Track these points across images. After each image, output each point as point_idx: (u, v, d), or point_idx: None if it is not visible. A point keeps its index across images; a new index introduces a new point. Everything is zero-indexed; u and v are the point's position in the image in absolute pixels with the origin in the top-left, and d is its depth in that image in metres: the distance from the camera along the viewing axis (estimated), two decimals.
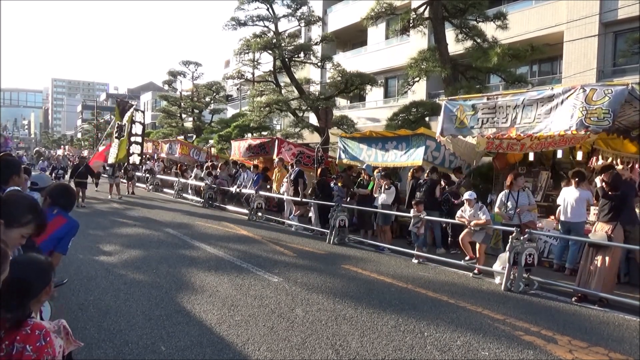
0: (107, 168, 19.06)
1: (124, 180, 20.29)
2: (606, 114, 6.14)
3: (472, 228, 7.61)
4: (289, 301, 5.64)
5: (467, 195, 7.89)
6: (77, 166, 15.93)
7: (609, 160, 8.22)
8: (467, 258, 7.78)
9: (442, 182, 9.93)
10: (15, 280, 1.86)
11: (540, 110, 7.04)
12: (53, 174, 19.45)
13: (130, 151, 18.86)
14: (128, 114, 18.45)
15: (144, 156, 23.43)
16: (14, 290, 1.86)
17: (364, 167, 11.61)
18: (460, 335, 4.69)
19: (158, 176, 22.63)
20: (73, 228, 3.60)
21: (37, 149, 61.07)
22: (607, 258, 6.04)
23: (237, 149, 17.68)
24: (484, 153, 10.21)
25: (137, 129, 18.60)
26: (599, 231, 6.26)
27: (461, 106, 8.21)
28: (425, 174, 9.89)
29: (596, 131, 6.33)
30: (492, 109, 7.71)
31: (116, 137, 18.42)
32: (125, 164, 19.81)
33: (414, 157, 10.61)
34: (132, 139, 18.42)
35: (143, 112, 20.93)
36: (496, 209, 7.90)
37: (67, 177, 18.51)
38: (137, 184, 21.38)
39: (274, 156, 15.17)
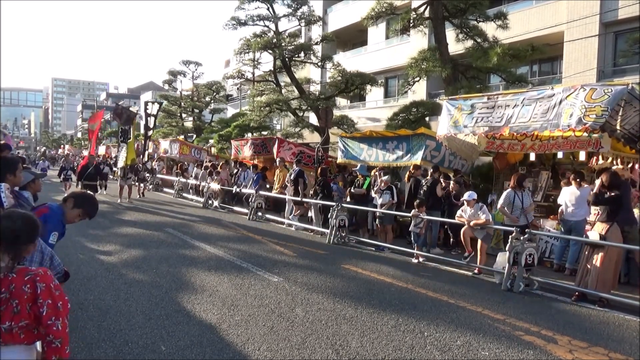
0: (116, 169, 18.55)
1: (135, 183, 19.11)
2: (604, 111, 6.15)
3: (473, 228, 7.63)
4: (289, 301, 5.64)
5: (466, 196, 7.88)
6: (85, 167, 14.31)
7: (609, 160, 8.23)
8: (465, 254, 7.78)
9: (442, 182, 9.93)
10: (9, 230, 2.07)
11: (537, 110, 7.05)
12: (62, 175, 18.46)
13: (145, 148, 18.73)
14: (134, 121, 18.33)
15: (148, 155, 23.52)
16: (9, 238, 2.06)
17: (357, 168, 11.62)
18: (460, 335, 4.69)
19: (158, 176, 22.64)
20: (52, 217, 3.39)
21: (44, 148, 60.92)
22: (600, 257, 6.04)
23: (238, 148, 17.70)
24: (482, 152, 10.22)
25: (150, 122, 18.62)
26: (594, 231, 6.27)
27: (460, 105, 8.26)
28: (429, 174, 9.90)
29: (593, 128, 6.34)
30: (490, 109, 7.75)
31: (122, 141, 18.11)
32: (137, 165, 19.54)
33: (415, 157, 10.62)
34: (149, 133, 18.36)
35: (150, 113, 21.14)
36: (500, 208, 7.88)
37: (74, 177, 17.75)
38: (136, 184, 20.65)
39: (275, 155, 15.20)
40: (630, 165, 8.23)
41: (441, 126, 8.73)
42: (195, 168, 20.35)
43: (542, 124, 6.93)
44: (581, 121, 6.34)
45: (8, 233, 2.06)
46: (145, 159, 22.89)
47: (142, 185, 18.98)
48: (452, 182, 9.81)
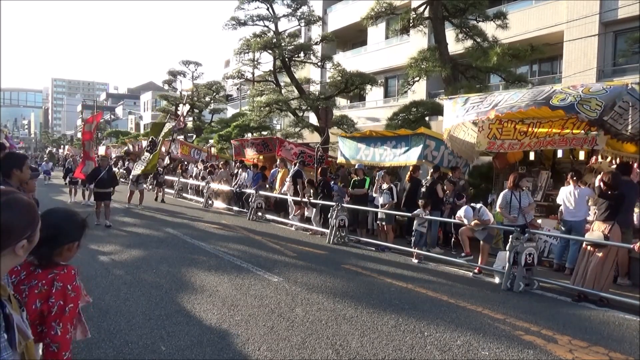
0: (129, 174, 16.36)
1: (148, 187, 18.19)
2: (598, 105, 6.14)
3: (474, 228, 7.62)
4: (289, 301, 5.64)
5: (463, 217, 7.75)
6: (96, 171, 12.00)
7: (608, 159, 8.23)
8: (462, 254, 7.75)
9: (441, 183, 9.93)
10: (49, 226, 1.95)
11: (527, 95, 7.08)
12: (67, 178, 17.22)
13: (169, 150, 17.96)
14: (165, 130, 16.96)
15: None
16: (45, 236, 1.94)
17: (356, 166, 11.66)
18: (460, 335, 4.69)
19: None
20: None
21: (50, 149, 60.62)
22: (602, 257, 6.03)
23: (240, 147, 17.73)
24: (482, 152, 10.24)
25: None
26: (596, 230, 6.26)
27: (455, 100, 8.44)
28: (429, 174, 9.90)
29: (583, 119, 6.35)
30: (482, 99, 7.84)
31: (147, 151, 16.71)
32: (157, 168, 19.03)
33: (414, 157, 10.63)
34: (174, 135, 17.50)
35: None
36: (498, 209, 7.89)
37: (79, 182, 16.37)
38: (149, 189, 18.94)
39: (276, 154, 15.23)
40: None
41: (446, 121, 8.87)
42: (195, 168, 20.34)
43: (527, 103, 6.93)
44: (574, 107, 6.30)
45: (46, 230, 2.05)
46: (167, 161, 22.37)
47: (161, 189, 17.52)
48: (446, 182, 9.78)
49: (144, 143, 27.61)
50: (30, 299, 1.94)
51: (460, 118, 8.19)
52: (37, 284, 1.97)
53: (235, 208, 15.03)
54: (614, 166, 7.71)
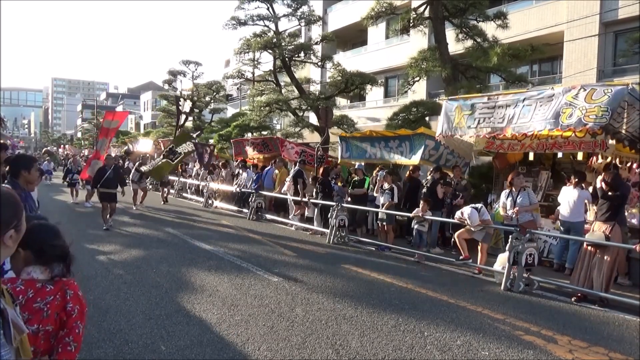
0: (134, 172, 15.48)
1: (148, 186, 17.80)
2: (605, 111, 6.17)
3: (473, 229, 7.60)
4: (289, 301, 5.64)
5: (467, 218, 7.68)
6: (102, 170, 11.36)
7: (608, 159, 8.22)
8: (461, 257, 7.73)
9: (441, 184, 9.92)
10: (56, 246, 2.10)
11: (538, 110, 7.06)
12: (67, 178, 16.64)
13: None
14: (186, 147, 16.15)
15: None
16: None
17: (356, 166, 11.69)
18: (460, 335, 4.69)
19: None
20: None
21: (47, 148, 60.23)
22: (605, 257, 6.03)
23: (241, 147, 17.74)
24: (480, 151, 10.22)
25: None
26: (597, 231, 6.25)
27: (460, 105, 8.26)
28: (429, 173, 9.89)
29: (594, 128, 6.36)
30: (490, 109, 7.74)
31: (164, 157, 15.96)
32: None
33: (416, 156, 10.65)
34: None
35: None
36: (500, 210, 7.87)
37: (81, 182, 16.35)
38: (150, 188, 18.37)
39: (281, 154, 15.23)
40: (628, 165, 8.23)
41: (440, 126, 8.73)
42: (195, 168, 20.34)
43: (540, 123, 6.94)
44: (581, 122, 6.36)
45: (52, 248, 2.08)
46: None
47: (165, 189, 17.00)
48: (441, 185, 9.74)
49: (142, 141, 27.57)
50: (52, 310, 2.01)
51: (473, 130, 8.01)
52: (55, 297, 2.04)
53: (237, 208, 15.02)
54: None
